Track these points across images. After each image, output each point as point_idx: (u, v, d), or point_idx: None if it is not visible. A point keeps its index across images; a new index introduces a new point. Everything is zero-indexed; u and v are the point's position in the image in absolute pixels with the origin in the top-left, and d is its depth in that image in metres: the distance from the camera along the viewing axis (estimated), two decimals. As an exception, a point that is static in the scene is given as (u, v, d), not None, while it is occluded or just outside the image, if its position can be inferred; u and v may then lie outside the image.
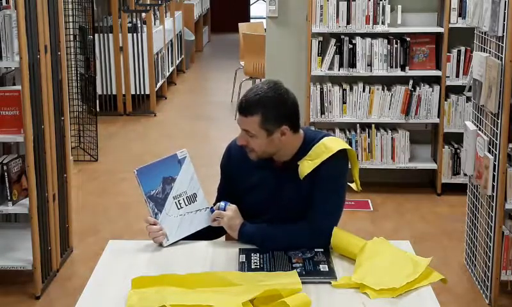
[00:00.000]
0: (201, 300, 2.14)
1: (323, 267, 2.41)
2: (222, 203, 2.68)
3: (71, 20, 6.61)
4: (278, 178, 2.67)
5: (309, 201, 2.60)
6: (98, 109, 7.08)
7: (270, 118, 2.52)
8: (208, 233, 2.71)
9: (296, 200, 2.64)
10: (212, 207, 2.72)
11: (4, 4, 4.08)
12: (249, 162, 2.68)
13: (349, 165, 2.70)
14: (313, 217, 2.58)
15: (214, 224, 2.68)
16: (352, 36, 5.34)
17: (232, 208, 2.66)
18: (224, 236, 2.92)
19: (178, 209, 2.66)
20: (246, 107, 2.54)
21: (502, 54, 3.58)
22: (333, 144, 2.61)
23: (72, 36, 6.71)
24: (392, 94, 5.35)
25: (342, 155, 2.61)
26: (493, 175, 3.69)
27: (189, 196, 2.69)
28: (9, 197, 3.81)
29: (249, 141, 2.57)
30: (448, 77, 5.32)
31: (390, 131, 5.45)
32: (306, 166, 2.58)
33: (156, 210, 2.62)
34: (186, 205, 2.67)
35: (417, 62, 5.37)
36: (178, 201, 2.66)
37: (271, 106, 2.53)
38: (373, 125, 5.41)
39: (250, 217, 2.67)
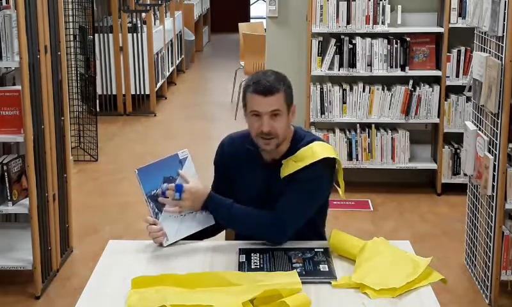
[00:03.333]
0: (201, 300, 2.14)
1: (323, 267, 2.41)
2: (176, 193, 2.57)
3: (71, 20, 6.61)
4: (267, 176, 2.67)
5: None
6: (98, 109, 7.08)
7: (288, 93, 2.61)
8: (206, 229, 2.69)
9: None
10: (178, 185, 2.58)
11: (4, 4, 4.08)
12: (241, 160, 2.71)
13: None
14: (278, 208, 2.57)
15: (176, 212, 2.60)
16: (352, 36, 5.34)
17: (187, 197, 2.57)
18: (224, 235, 2.93)
19: (179, 209, 2.65)
20: (272, 86, 2.55)
21: (502, 54, 3.58)
22: (320, 150, 2.61)
23: (72, 36, 6.71)
24: (392, 94, 5.35)
25: (325, 161, 2.60)
26: (493, 175, 3.69)
27: (190, 196, 2.67)
28: (9, 197, 3.81)
29: (274, 125, 2.56)
30: (448, 77, 5.32)
31: (390, 131, 5.44)
32: (289, 166, 2.60)
33: (156, 209, 2.62)
34: (187, 205, 2.66)
35: (417, 63, 5.37)
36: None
37: (287, 82, 2.62)
38: (373, 125, 5.41)
39: None
